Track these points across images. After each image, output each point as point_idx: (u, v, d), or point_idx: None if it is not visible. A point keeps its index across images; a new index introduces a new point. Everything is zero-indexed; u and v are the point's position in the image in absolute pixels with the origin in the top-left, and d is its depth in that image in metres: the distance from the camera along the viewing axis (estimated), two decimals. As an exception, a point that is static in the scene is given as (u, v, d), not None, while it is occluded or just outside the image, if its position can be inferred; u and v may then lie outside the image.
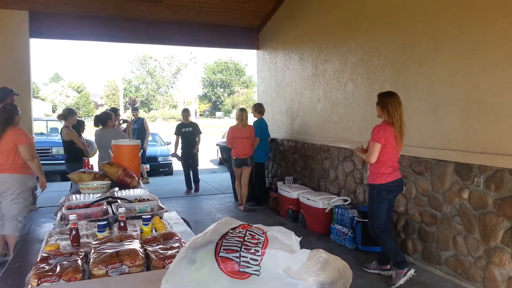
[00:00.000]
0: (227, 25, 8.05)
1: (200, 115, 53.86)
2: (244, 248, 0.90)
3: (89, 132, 7.68)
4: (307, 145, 6.50)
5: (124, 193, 3.31)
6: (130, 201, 2.92)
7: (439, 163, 3.98)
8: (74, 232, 2.00)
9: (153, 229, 2.20)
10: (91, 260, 1.68)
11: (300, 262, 0.92)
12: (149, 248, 1.83)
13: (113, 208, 2.75)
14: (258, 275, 0.88)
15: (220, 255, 0.88)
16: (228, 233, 0.94)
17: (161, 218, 2.58)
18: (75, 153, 5.93)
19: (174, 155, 8.68)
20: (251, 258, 0.89)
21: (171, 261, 1.65)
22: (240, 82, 57.21)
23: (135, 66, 55.52)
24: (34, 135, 7.11)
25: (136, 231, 2.25)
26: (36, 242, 3.07)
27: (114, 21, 7.35)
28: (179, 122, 8.53)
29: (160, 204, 2.90)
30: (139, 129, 8.90)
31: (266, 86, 8.23)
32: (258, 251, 0.90)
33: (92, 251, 1.76)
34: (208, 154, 17.05)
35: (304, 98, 6.65)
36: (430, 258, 4.14)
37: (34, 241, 3.10)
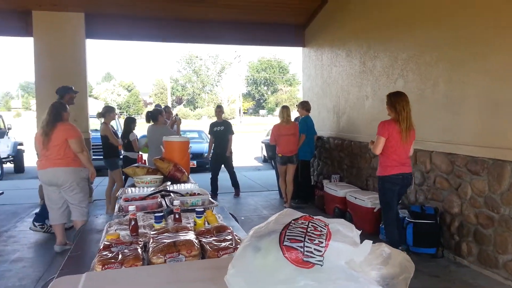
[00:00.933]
0: (274, 23, 8.07)
1: (244, 113, 54.35)
2: (308, 239, 0.92)
3: (142, 129, 8.00)
4: (354, 143, 6.38)
5: (176, 187, 3.43)
6: (182, 195, 3.02)
7: (496, 163, 3.78)
8: (133, 223, 2.10)
9: (206, 222, 2.27)
10: (150, 249, 1.76)
11: (363, 255, 0.92)
12: (204, 240, 1.89)
13: (166, 201, 2.87)
14: (321, 265, 0.89)
15: (284, 244, 0.91)
16: (291, 224, 0.96)
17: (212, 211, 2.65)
18: (109, 148, 6.12)
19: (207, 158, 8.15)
20: (314, 249, 0.90)
21: (225, 253, 1.72)
22: (283, 80, 57.09)
23: (181, 65, 57.01)
24: (90, 131, 7.50)
25: (189, 223, 2.33)
26: (94, 232, 3.25)
27: (165, 22, 7.59)
28: (213, 121, 8.04)
29: (210, 198, 2.99)
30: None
31: (311, 83, 8.17)
32: (322, 242, 0.91)
33: (151, 241, 1.84)
34: (252, 152, 17.20)
35: (351, 95, 6.53)
36: (486, 261, 3.95)
37: (92, 231, 3.29)
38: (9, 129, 11.67)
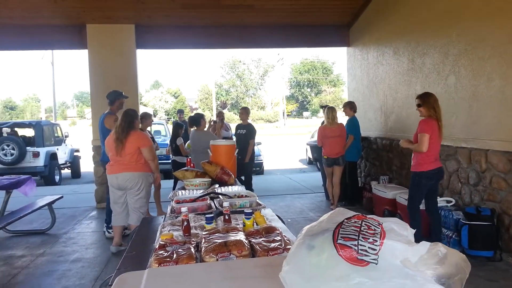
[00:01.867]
0: (317, 24, 8.02)
1: (288, 115, 54.24)
2: (362, 237, 0.92)
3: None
4: (404, 143, 6.19)
5: (224, 189, 3.51)
6: (230, 197, 3.08)
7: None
8: (185, 223, 2.17)
9: (254, 223, 2.30)
10: (202, 249, 1.81)
11: (419, 254, 0.91)
12: (253, 240, 1.92)
13: (215, 203, 2.94)
14: (376, 264, 0.89)
15: (338, 242, 0.91)
16: (344, 222, 0.97)
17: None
18: None
19: None
20: (369, 247, 0.90)
21: (275, 253, 1.74)
22: (327, 81, 56.42)
23: (225, 70, 57.92)
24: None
25: (238, 224, 2.38)
26: (147, 234, 3.39)
27: (210, 29, 7.78)
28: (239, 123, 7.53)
29: (257, 200, 3.03)
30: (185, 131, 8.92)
31: (357, 83, 8.03)
32: (376, 241, 0.91)
33: (203, 241, 1.90)
34: (297, 154, 17.14)
35: (399, 94, 6.35)
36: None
37: (145, 232, 3.44)
38: (66, 137, 12.43)
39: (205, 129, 6.74)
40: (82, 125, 46.73)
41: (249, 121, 7.54)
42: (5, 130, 11.09)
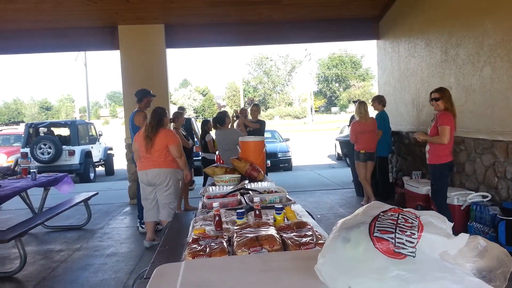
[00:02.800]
0: (344, 18, 7.91)
1: (316, 111, 53.80)
2: (399, 230, 0.91)
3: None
4: (437, 137, 6.02)
5: (253, 185, 3.53)
6: (260, 193, 3.10)
7: None
8: (217, 218, 2.20)
9: (285, 218, 2.31)
10: (234, 243, 1.83)
11: (458, 247, 0.89)
12: (284, 235, 1.92)
13: (245, 198, 2.96)
14: (414, 257, 0.88)
15: (374, 235, 0.91)
16: (380, 216, 0.96)
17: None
18: None
19: None
20: (406, 240, 0.89)
21: (307, 248, 1.74)
22: (356, 75, 55.55)
23: (252, 67, 58.08)
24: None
25: (269, 219, 2.39)
26: (179, 229, 3.46)
27: (237, 26, 7.81)
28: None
29: (287, 196, 3.03)
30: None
31: (388, 77, 7.86)
32: (414, 234, 0.90)
33: (235, 235, 1.92)
34: (325, 150, 16.99)
35: (432, 87, 6.15)
36: None
37: (177, 227, 3.50)
38: (100, 135, 12.80)
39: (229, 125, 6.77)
40: (115, 124, 48.03)
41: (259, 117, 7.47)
42: (42, 129, 11.53)
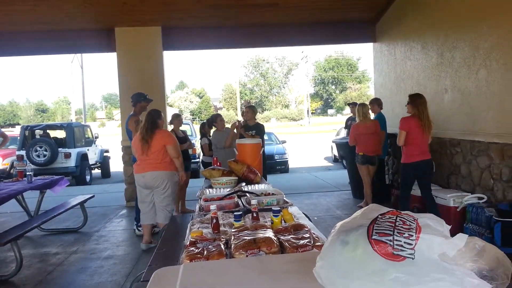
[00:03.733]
0: (342, 21, 7.94)
1: (312, 113, 53.89)
2: (397, 232, 0.91)
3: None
4: (433, 140, 6.04)
5: (250, 187, 3.53)
6: (257, 195, 3.10)
7: None
8: (214, 221, 2.20)
9: (282, 221, 2.31)
10: (232, 246, 1.83)
11: (456, 248, 0.90)
12: (282, 237, 1.93)
13: (242, 201, 2.96)
14: (413, 259, 0.89)
15: (373, 237, 0.91)
16: (378, 218, 0.96)
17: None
18: None
19: None
20: (405, 242, 0.90)
21: (304, 250, 1.74)
22: (352, 77, 55.72)
23: (249, 69, 58.10)
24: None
25: (266, 221, 2.39)
26: (176, 231, 3.45)
27: (235, 29, 7.82)
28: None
29: (284, 198, 3.03)
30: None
31: (384, 79, 7.90)
32: (412, 235, 0.91)
33: (232, 238, 1.92)
34: (322, 152, 17.02)
35: (428, 89, 6.21)
36: None
37: (173, 230, 3.50)
38: (96, 138, 12.77)
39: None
40: (111, 126, 47.90)
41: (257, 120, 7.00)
42: (38, 132, 11.49)
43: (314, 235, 1.92)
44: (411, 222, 0.94)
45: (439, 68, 5.84)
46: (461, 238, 0.92)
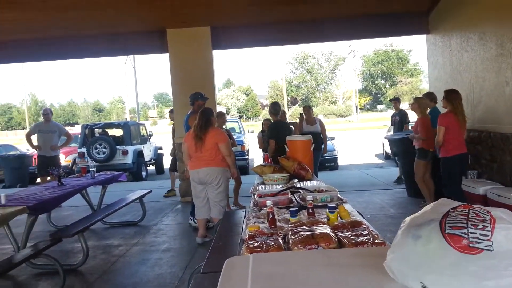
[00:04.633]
0: (391, 13, 7.70)
1: (361, 109, 52.66)
2: (471, 225, 0.91)
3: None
4: (494, 135, 5.75)
5: (303, 184, 3.55)
6: (310, 191, 3.12)
7: None
8: (271, 216, 2.26)
9: (338, 217, 2.32)
10: (290, 240, 1.87)
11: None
12: (340, 234, 1.94)
13: (295, 197, 3.00)
14: (491, 250, 0.89)
15: (446, 231, 0.91)
16: (450, 212, 0.96)
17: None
18: None
19: None
20: (480, 234, 0.89)
21: (363, 247, 1.75)
22: (403, 71, 53.75)
23: (294, 66, 57.71)
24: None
25: (322, 218, 2.41)
26: (231, 226, 3.56)
27: (281, 25, 7.81)
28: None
29: (338, 195, 3.03)
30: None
31: (439, 72, 7.59)
32: (487, 226, 0.90)
33: (290, 233, 1.96)
34: (372, 149, 16.61)
35: (487, 82, 5.90)
36: None
37: (228, 225, 3.60)
38: (150, 135, 13.31)
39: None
40: (163, 125, 49.63)
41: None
42: (97, 130, 12.17)
43: (373, 232, 1.92)
44: (485, 214, 0.93)
45: (499, 60, 5.53)
46: None
